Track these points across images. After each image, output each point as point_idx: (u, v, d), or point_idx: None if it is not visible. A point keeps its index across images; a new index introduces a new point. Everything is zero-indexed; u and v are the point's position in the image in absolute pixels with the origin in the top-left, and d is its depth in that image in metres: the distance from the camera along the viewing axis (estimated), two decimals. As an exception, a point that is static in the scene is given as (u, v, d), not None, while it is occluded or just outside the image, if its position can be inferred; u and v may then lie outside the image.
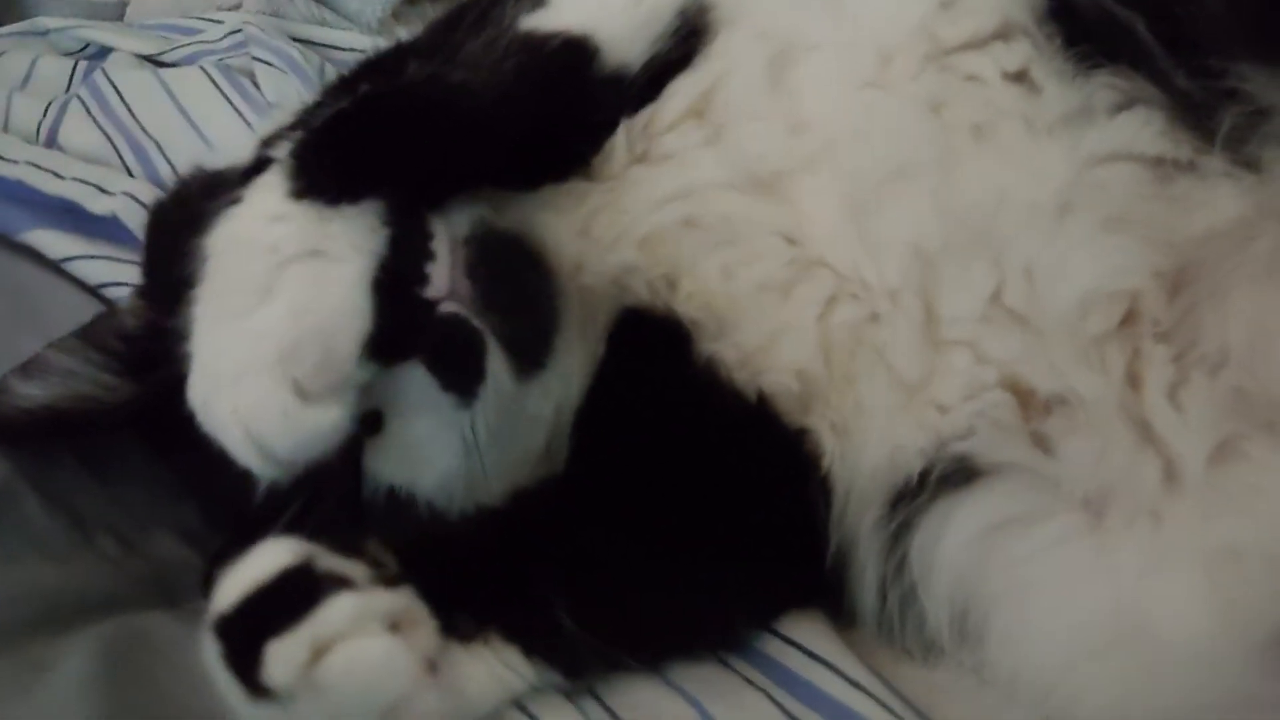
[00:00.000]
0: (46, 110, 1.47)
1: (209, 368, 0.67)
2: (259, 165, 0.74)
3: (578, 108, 0.85)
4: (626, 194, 0.87)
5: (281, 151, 0.73)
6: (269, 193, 0.70)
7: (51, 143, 1.42)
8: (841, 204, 0.84)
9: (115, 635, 0.87)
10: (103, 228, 1.27)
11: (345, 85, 0.88)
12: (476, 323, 0.78)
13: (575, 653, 0.76)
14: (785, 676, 0.80)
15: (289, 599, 0.64)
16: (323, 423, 0.66)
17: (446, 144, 0.76)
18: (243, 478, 0.81)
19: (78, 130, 1.42)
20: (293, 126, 0.80)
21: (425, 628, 0.70)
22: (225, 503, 0.89)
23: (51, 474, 1.01)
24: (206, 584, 0.88)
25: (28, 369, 0.90)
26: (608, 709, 0.77)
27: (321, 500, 0.81)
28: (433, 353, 0.77)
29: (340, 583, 0.66)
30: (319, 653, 0.62)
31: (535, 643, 0.76)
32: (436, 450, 0.81)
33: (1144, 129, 0.78)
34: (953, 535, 0.80)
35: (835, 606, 0.87)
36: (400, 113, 0.76)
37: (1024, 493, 0.79)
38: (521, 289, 0.76)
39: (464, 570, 0.76)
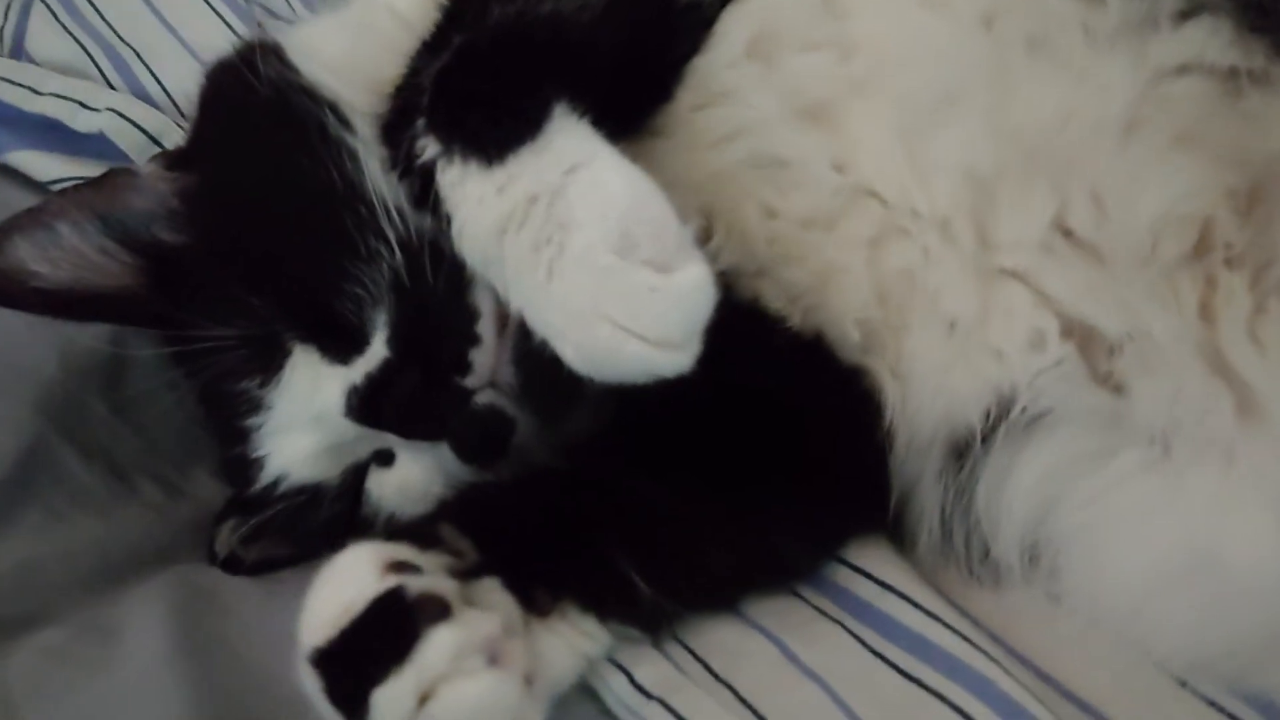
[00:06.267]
0: (6, 13, 1.38)
1: (556, 321, 0.66)
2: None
3: (661, 35, 0.82)
4: (684, 142, 0.83)
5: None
6: (471, 184, 0.69)
7: (18, 52, 1.35)
8: (891, 129, 0.81)
9: (180, 598, 0.87)
10: (89, 145, 1.22)
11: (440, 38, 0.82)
12: (511, 412, 0.79)
13: (650, 610, 0.76)
14: (858, 606, 0.81)
15: (387, 634, 0.62)
16: (695, 277, 0.64)
17: (560, 60, 0.74)
18: (245, 461, 0.85)
19: (46, 39, 1.34)
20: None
21: (519, 642, 0.69)
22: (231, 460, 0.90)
23: (84, 424, 1.00)
24: (211, 544, 0.92)
25: (36, 237, 0.86)
26: (692, 653, 0.78)
27: (314, 511, 0.85)
28: (461, 437, 0.79)
29: (435, 606, 0.64)
30: (424, 697, 0.61)
31: (610, 607, 0.76)
32: (435, 488, 0.83)
33: (1212, 38, 0.75)
34: (1018, 480, 0.80)
35: (895, 536, 0.87)
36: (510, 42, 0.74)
37: (1089, 433, 0.79)
38: (560, 375, 0.71)
39: (532, 542, 0.75)
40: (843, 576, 0.84)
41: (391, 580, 0.64)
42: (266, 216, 0.82)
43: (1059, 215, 0.78)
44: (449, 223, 0.71)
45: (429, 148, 0.71)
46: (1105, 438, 0.79)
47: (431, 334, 0.77)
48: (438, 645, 0.61)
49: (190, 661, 0.79)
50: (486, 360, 0.78)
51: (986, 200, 0.80)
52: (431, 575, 0.66)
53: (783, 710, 0.74)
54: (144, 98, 1.26)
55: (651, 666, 0.77)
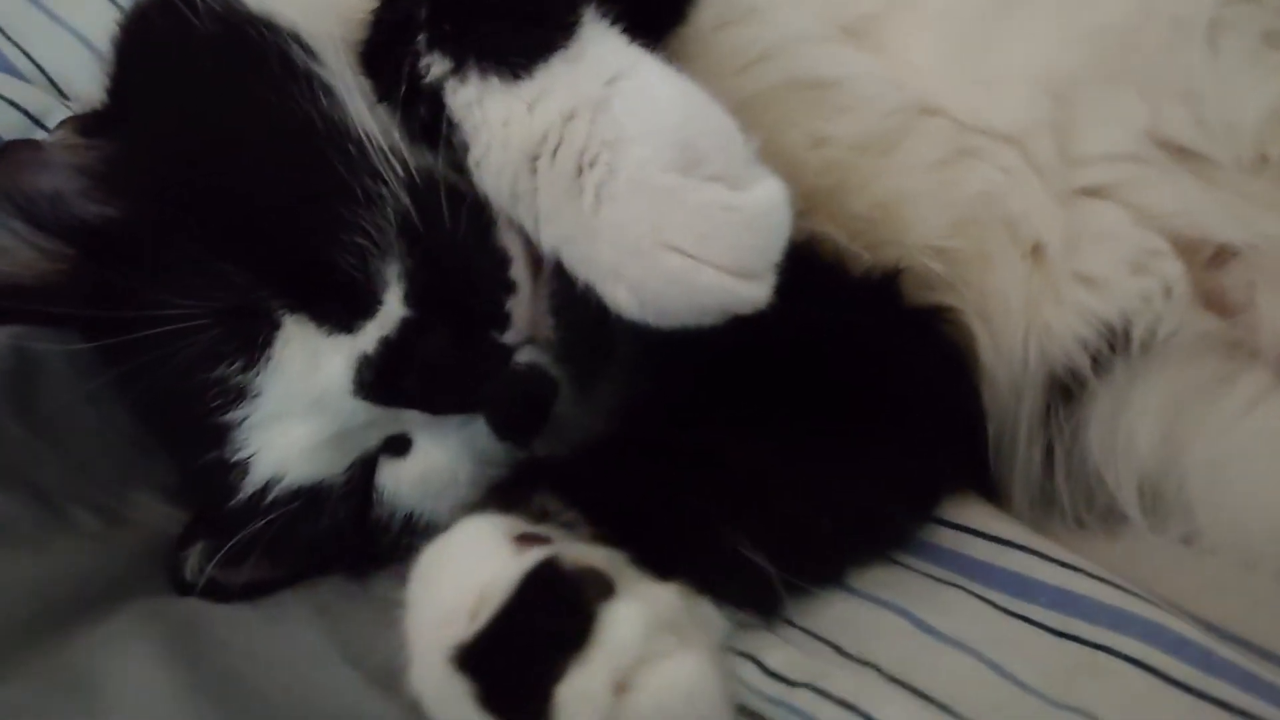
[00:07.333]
0: None
1: (606, 257, 0.57)
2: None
3: None
4: (708, 66, 0.74)
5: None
6: (493, 104, 0.60)
7: None
8: (948, 40, 0.76)
9: (160, 635, 0.72)
10: (-43, 132, 1.03)
11: None
12: (554, 372, 0.68)
13: (765, 589, 0.65)
14: (974, 567, 0.72)
15: (553, 617, 0.49)
16: (772, 193, 0.56)
17: None
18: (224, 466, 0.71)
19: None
20: None
21: (704, 619, 0.58)
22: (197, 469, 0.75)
23: (-2, 447, 0.83)
24: (176, 569, 0.78)
25: None
26: (812, 634, 0.68)
27: (315, 518, 0.72)
28: (502, 405, 0.67)
29: (598, 581, 0.51)
30: (621, 688, 0.48)
31: (725, 587, 0.64)
32: (463, 476, 0.71)
33: None
34: (1136, 417, 0.74)
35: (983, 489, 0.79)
36: None
37: (1207, 359, 0.74)
38: (599, 320, 0.62)
39: (634, 516, 0.63)
40: (946, 538, 0.75)
41: (535, 554, 0.51)
42: (233, 166, 0.69)
43: (1152, 124, 0.74)
44: (465, 152, 0.61)
45: (434, 66, 0.62)
46: (1225, 363, 0.74)
47: (459, 283, 0.65)
48: (626, 624, 0.49)
49: (203, 702, 0.65)
50: (524, 310, 0.66)
51: (1066, 112, 0.74)
52: (574, 546, 0.54)
53: (942, 685, 0.64)
54: (16, 74, 1.09)
55: (780, 652, 0.66)
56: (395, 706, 0.63)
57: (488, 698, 0.48)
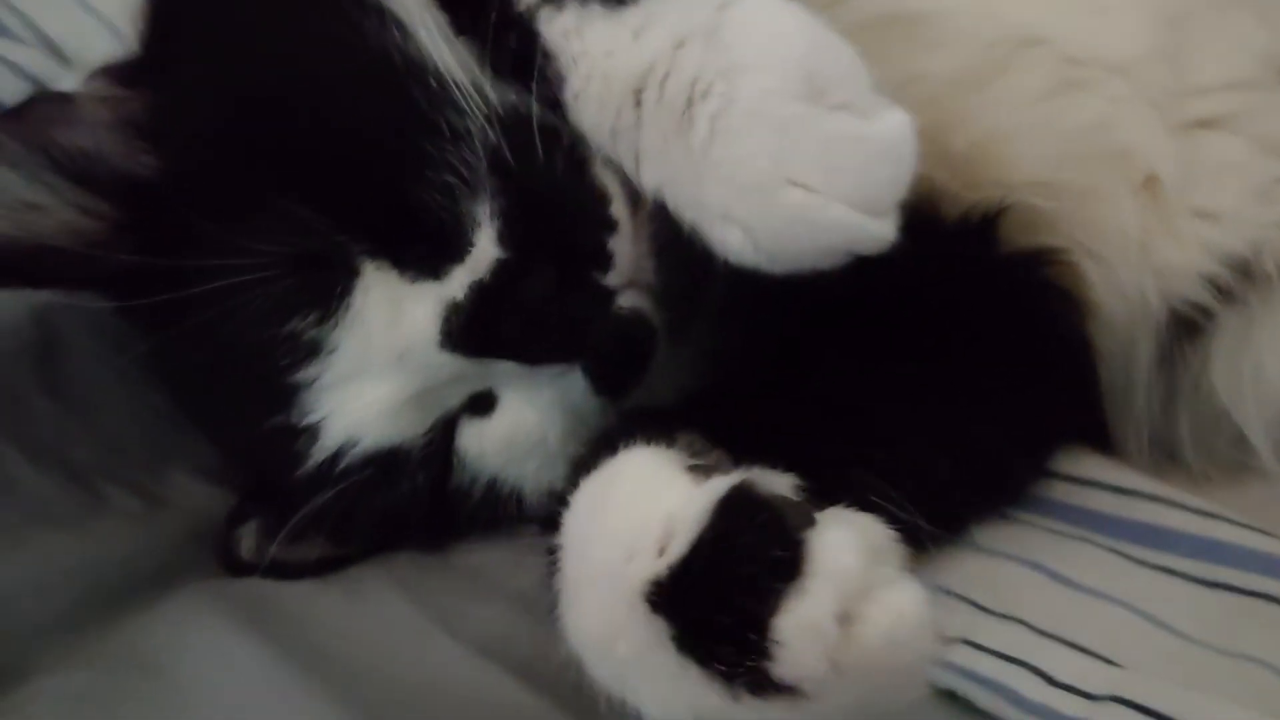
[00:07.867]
0: None
1: (718, 196, 0.52)
2: None
3: None
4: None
5: None
6: (594, 32, 0.56)
7: None
8: None
9: (229, 614, 0.66)
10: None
11: None
12: (655, 320, 0.63)
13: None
14: (1097, 520, 0.68)
15: (757, 545, 0.43)
16: (901, 123, 0.52)
17: None
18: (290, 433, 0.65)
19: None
20: None
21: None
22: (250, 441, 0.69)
23: (24, 421, 0.76)
24: (229, 549, 0.73)
25: None
26: (956, 595, 0.63)
27: (392, 486, 0.66)
28: (605, 353, 0.62)
29: (796, 508, 0.45)
30: (847, 620, 0.41)
31: None
32: (552, 435, 0.66)
33: None
34: (1261, 348, 0.71)
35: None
36: None
37: None
38: (701, 265, 0.57)
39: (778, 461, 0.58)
40: (1063, 492, 0.71)
41: (723, 480, 0.45)
42: (305, 105, 0.63)
43: (1272, 49, 0.70)
44: (560, 86, 0.57)
45: None
46: None
47: (558, 221, 0.60)
48: (843, 551, 0.42)
49: (293, 671, 0.60)
50: (627, 249, 0.61)
51: (1181, 40, 0.71)
52: (760, 473, 0.48)
53: (1099, 637, 0.59)
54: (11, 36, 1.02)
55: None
56: (508, 674, 0.59)
57: (689, 638, 0.42)
